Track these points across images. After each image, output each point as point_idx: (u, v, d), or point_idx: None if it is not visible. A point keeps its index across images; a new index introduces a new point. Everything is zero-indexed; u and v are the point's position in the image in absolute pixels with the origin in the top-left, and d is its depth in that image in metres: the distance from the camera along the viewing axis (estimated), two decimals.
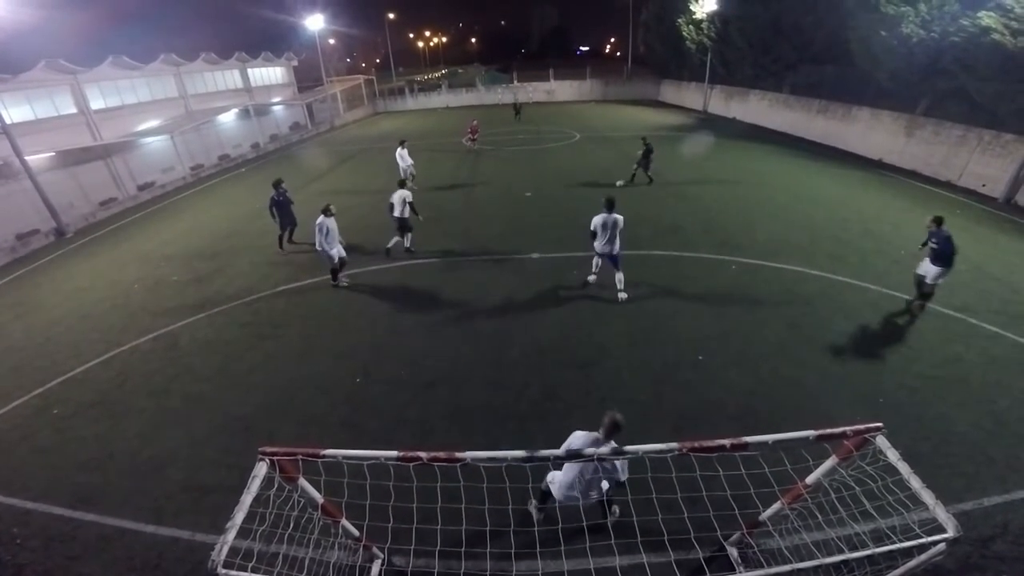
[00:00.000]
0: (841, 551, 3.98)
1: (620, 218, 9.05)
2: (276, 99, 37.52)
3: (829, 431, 3.21)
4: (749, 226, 13.00)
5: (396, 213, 11.61)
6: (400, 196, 11.52)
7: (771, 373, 7.33)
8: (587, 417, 6.60)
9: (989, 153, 15.58)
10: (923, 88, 18.64)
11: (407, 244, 12.27)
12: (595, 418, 6.54)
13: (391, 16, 74.43)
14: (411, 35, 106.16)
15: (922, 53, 17.11)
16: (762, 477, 3.82)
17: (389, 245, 12.19)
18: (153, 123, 25.98)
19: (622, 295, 9.44)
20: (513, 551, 3.90)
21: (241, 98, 34.26)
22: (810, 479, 3.78)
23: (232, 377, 8.04)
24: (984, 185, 15.63)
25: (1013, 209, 14.19)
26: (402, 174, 17.68)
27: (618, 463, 4.30)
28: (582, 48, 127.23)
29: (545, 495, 4.90)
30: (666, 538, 3.83)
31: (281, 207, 12.63)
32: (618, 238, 9.16)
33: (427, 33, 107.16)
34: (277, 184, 12.57)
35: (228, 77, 34.71)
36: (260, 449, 3.31)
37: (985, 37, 14.67)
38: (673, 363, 7.68)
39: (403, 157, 17.61)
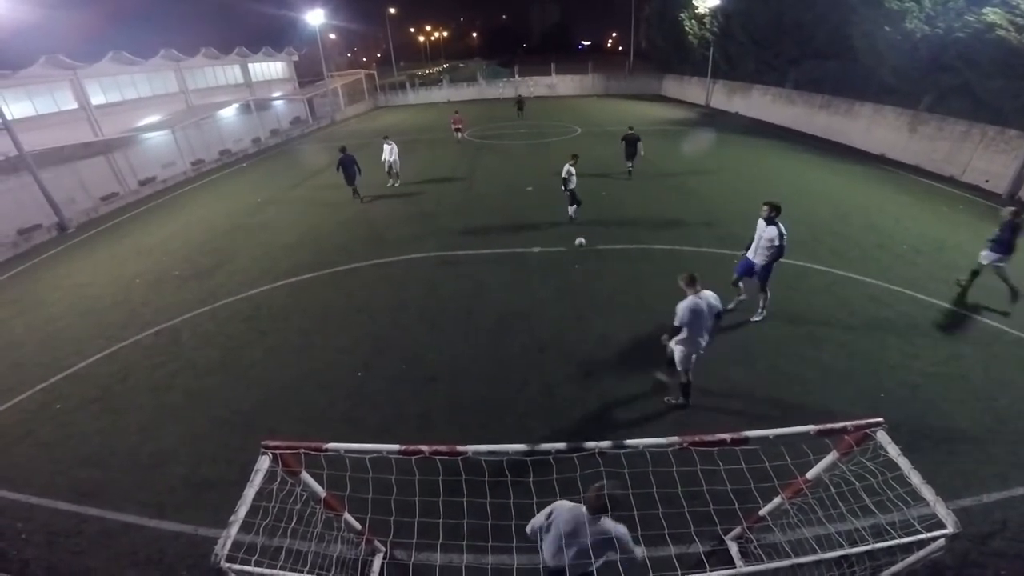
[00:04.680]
0: (841, 546, 3.99)
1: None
2: (277, 94, 37.44)
3: (829, 426, 3.21)
4: (751, 221, 12.84)
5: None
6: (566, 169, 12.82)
7: (772, 368, 7.33)
8: (586, 413, 6.66)
9: (993, 149, 15.51)
10: (926, 84, 18.53)
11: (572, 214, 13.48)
12: (594, 415, 6.60)
13: (392, 11, 74.17)
14: (412, 30, 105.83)
15: (926, 49, 17.00)
16: (762, 472, 3.82)
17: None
18: (154, 118, 25.95)
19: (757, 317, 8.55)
20: (515, 545, 3.91)
21: (242, 93, 34.18)
22: (810, 474, 3.78)
23: (234, 372, 8.07)
24: (987, 181, 15.56)
25: (1016, 205, 14.11)
26: (385, 168, 17.80)
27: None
28: (584, 43, 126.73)
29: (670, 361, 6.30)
30: (666, 532, 3.83)
31: (344, 166, 15.66)
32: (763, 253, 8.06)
33: (428, 28, 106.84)
34: (343, 149, 15.84)
35: (229, 72, 34.64)
36: (263, 443, 3.32)
37: (990, 33, 14.58)
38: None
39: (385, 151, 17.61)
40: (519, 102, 34.13)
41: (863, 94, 22.26)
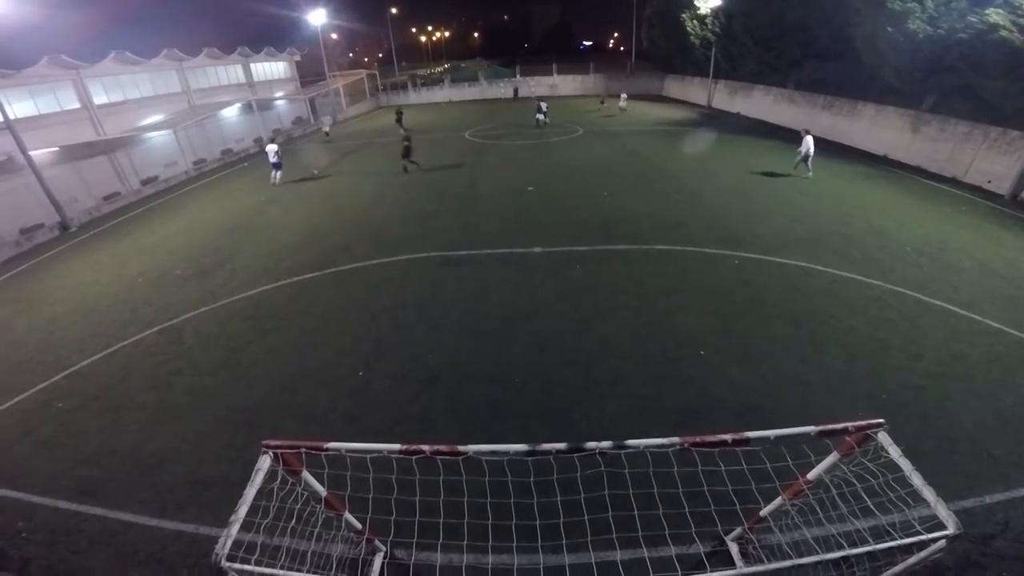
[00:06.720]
0: (841, 547, 3.99)
1: None
2: (279, 94, 37.48)
3: (831, 427, 3.21)
4: (753, 221, 12.95)
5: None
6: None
7: (773, 369, 7.32)
8: (588, 412, 6.65)
9: (995, 150, 15.47)
10: (929, 84, 18.47)
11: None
12: (595, 413, 6.61)
13: (393, 11, 74.19)
14: (414, 30, 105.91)
15: (928, 49, 16.94)
16: (763, 472, 3.82)
17: None
18: (156, 118, 26.00)
19: None
20: (515, 545, 3.91)
21: (244, 93, 34.23)
22: (811, 475, 3.78)
23: (235, 371, 8.07)
24: (990, 182, 15.53)
25: (1018, 206, 14.10)
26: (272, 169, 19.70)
27: None
28: (585, 43, 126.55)
29: None
30: (667, 532, 3.84)
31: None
32: None
33: (430, 28, 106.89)
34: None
35: (231, 72, 34.70)
36: (263, 442, 3.32)
37: (992, 34, 14.52)
38: (675, 358, 7.68)
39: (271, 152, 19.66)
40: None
41: (865, 95, 22.19)
